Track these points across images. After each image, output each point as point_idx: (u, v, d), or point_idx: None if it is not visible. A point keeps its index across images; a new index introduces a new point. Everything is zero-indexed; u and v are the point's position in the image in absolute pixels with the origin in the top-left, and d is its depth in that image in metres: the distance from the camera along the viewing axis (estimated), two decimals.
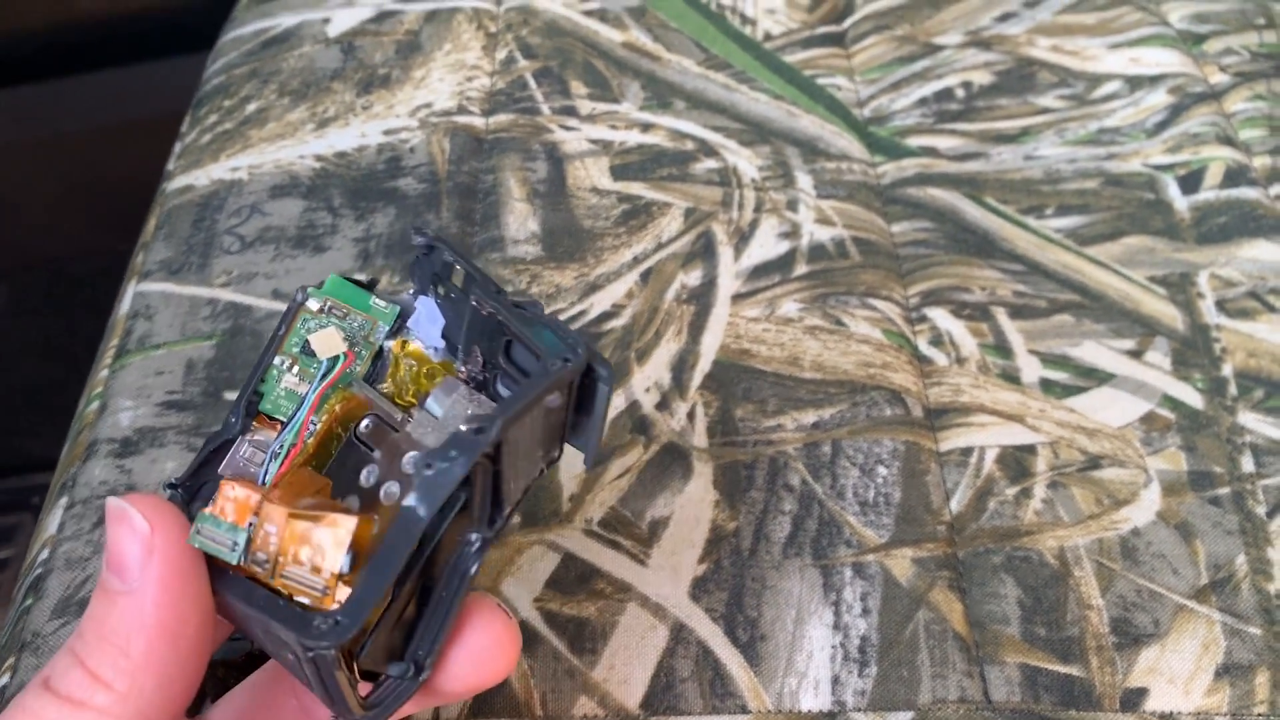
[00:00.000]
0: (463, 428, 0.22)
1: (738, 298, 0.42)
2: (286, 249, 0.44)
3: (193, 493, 0.25)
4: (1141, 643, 0.33)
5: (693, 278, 0.42)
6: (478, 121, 0.48)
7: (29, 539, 0.89)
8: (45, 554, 0.37)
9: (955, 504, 0.36)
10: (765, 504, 0.36)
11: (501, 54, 0.51)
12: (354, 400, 0.26)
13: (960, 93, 0.49)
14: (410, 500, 0.21)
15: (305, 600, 0.22)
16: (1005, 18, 0.53)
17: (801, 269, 0.42)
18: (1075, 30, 0.52)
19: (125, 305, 0.44)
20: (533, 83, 0.50)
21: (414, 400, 0.26)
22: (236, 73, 0.52)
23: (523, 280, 0.42)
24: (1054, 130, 0.48)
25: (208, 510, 0.22)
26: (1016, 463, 0.37)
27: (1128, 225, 0.44)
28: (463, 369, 0.26)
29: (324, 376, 0.26)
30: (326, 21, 0.54)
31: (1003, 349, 0.40)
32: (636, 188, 0.45)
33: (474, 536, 0.24)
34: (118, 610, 0.22)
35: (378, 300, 0.27)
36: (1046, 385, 0.39)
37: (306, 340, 0.26)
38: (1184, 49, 0.51)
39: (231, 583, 0.23)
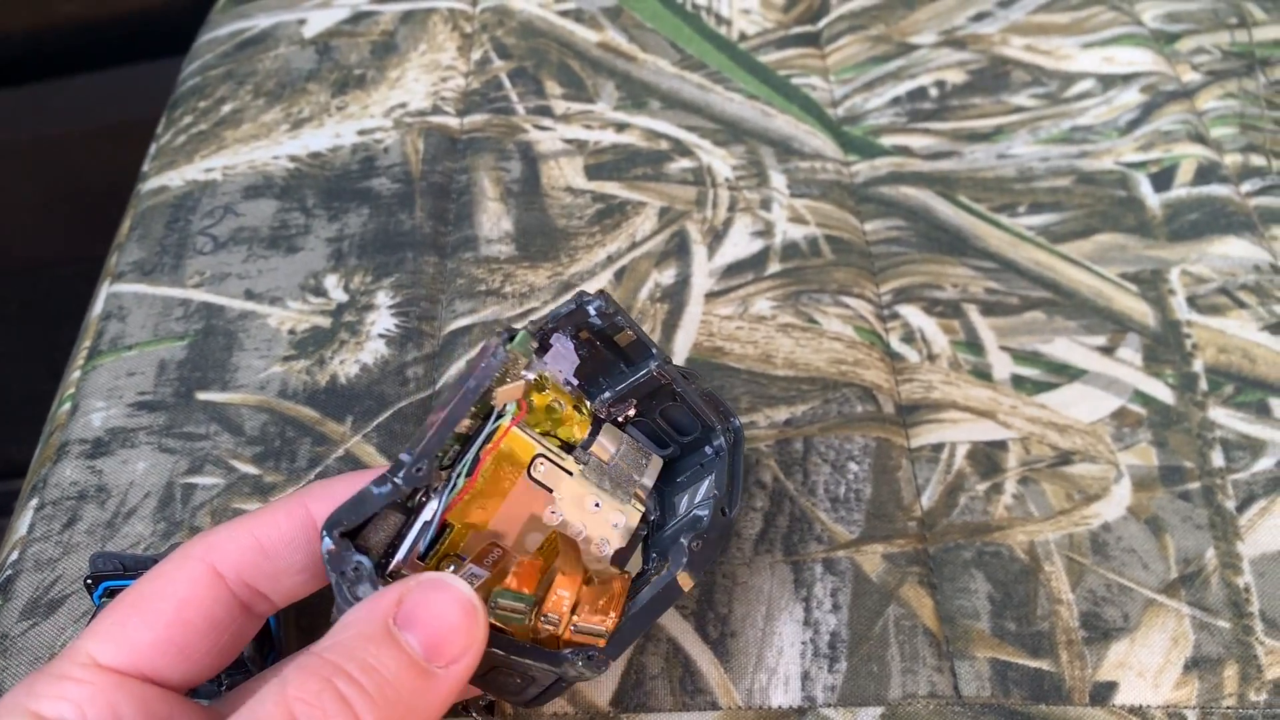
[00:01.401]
0: (702, 513, 0.27)
1: (711, 296, 0.42)
2: (260, 249, 0.44)
3: (354, 530, 0.25)
4: (1111, 637, 0.33)
5: (666, 276, 0.42)
6: (452, 121, 0.48)
7: None
8: (14, 555, 0.37)
9: (926, 500, 0.36)
10: None
11: (477, 54, 0.51)
12: (519, 442, 0.27)
13: (934, 92, 0.50)
14: (680, 572, 0.26)
15: (586, 645, 0.26)
16: (980, 17, 0.53)
17: (775, 267, 0.42)
18: (1049, 29, 0.53)
19: (98, 306, 0.44)
20: (508, 83, 0.50)
21: (553, 432, 0.28)
22: (212, 74, 0.52)
23: (496, 279, 0.42)
24: (1027, 129, 0.48)
25: (507, 584, 0.25)
26: (987, 459, 0.37)
27: (1100, 223, 0.44)
28: (603, 411, 0.29)
29: (495, 422, 0.27)
30: (302, 23, 0.54)
31: (974, 346, 0.40)
32: (611, 187, 0.45)
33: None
34: (421, 689, 0.22)
35: (531, 340, 0.28)
36: (1018, 381, 0.39)
37: (491, 388, 0.27)
38: (1156, 48, 0.51)
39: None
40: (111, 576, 0.31)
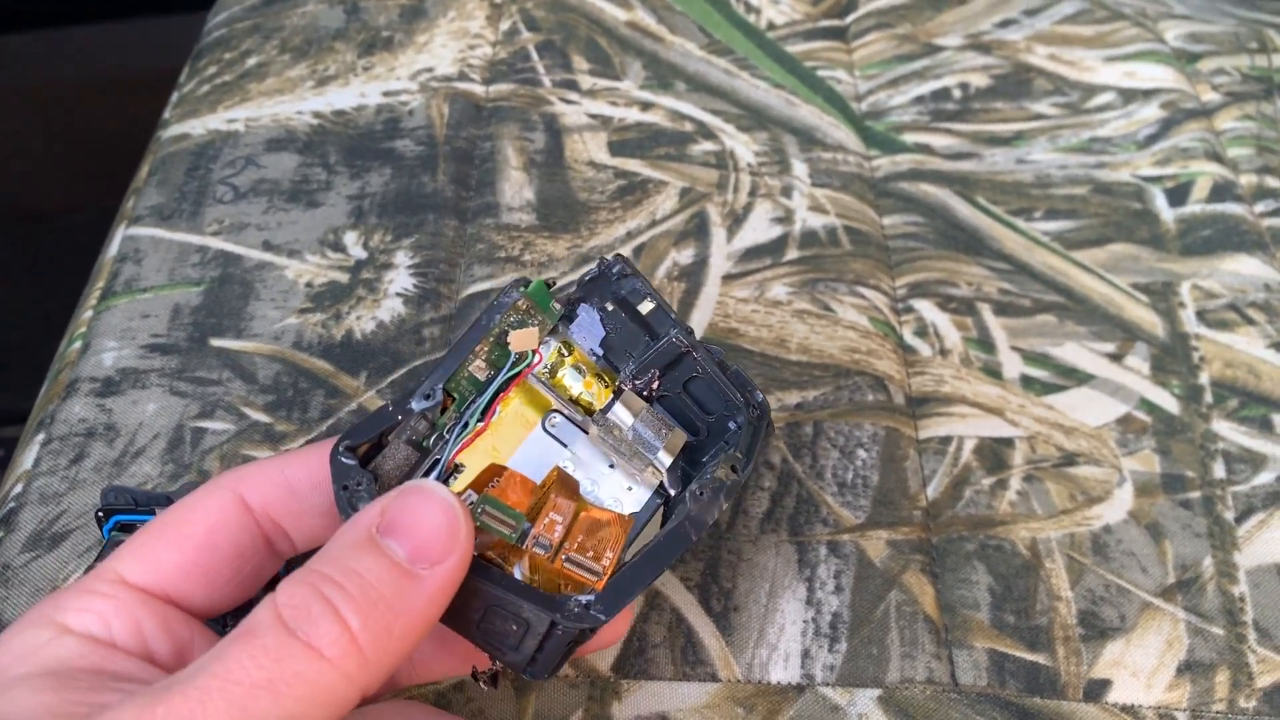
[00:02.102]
0: (719, 474, 0.26)
1: (728, 278, 0.42)
2: (280, 202, 0.44)
3: (368, 456, 0.25)
4: (1107, 636, 0.33)
5: (685, 256, 0.42)
6: (478, 89, 0.48)
7: None
8: (19, 488, 0.37)
9: (931, 490, 0.36)
10: (745, 479, 0.36)
11: (505, 24, 0.51)
12: (536, 395, 0.27)
13: (957, 93, 0.50)
14: (695, 515, 0.25)
15: (580, 582, 0.25)
16: (1005, 24, 0.54)
17: (793, 254, 0.43)
18: (1073, 41, 0.53)
19: (113, 248, 0.44)
20: (535, 55, 0.50)
21: (573, 398, 0.28)
22: (239, 26, 0.52)
23: (516, 247, 0.42)
24: (1047, 136, 0.49)
25: (492, 493, 0.24)
26: (994, 454, 0.37)
27: (1114, 232, 0.45)
28: (626, 383, 0.29)
29: (511, 369, 0.27)
30: None
31: (986, 344, 0.41)
32: (633, 164, 0.45)
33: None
34: (405, 590, 0.22)
35: (555, 303, 0.28)
36: (1027, 381, 0.40)
37: (507, 332, 0.27)
38: (1178, 66, 0.52)
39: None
40: (123, 511, 0.31)
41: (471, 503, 0.25)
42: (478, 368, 0.27)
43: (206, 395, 0.38)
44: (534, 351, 0.27)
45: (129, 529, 0.31)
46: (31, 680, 0.22)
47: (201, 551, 0.25)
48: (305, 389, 0.38)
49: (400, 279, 0.41)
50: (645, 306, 0.28)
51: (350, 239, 0.42)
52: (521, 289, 0.27)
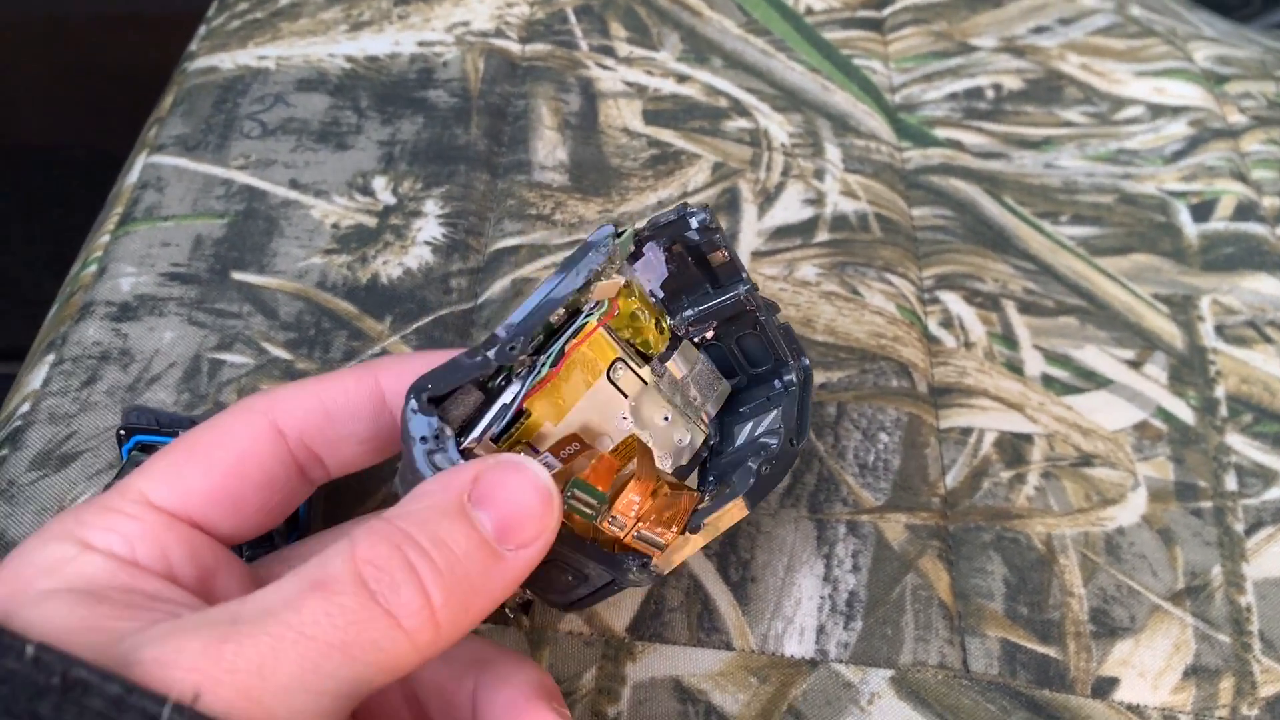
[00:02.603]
0: (771, 441, 0.28)
1: (758, 255, 0.42)
2: (309, 141, 0.43)
3: (440, 400, 0.25)
4: (1117, 635, 0.34)
5: None
6: (514, 47, 0.48)
7: None
8: (26, 407, 0.36)
9: (951, 479, 0.36)
10: None
11: None
12: (601, 342, 0.27)
13: (990, 93, 0.50)
14: (741, 497, 0.27)
15: (641, 552, 0.26)
16: (1040, 30, 0.54)
17: (823, 236, 0.43)
18: (1105, 53, 0.53)
19: (134, 175, 0.43)
20: (573, 18, 0.49)
21: (633, 341, 0.28)
22: None
23: (547, 206, 0.42)
24: (1075, 143, 0.49)
25: (583, 477, 0.25)
26: (1013, 449, 0.37)
27: (1138, 243, 0.45)
28: (683, 329, 0.29)
29: (587, 316, 0.27)
30: None
31: (1009, 340, 0.41)
32: (667, 135, 0.45)
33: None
34: (490, 569, 0.22)
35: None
36: (1047, 380, 0.40)
37: (591, 281, 0.26)
38: (1206, 86, 0.52)
39: None
40: (145, 431, 0.30)
41: (563, 486, 0.25)
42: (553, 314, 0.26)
43: (226, 327, 0.37)
44: (611, 301, 0.27)
45: (149, 450, 0.30)
46: (62, 595, 0.21)
47: (231, 478, 0.24)
48: (328, 329, 0.37)
49: (429, 227, 0.40)
50: (718, 258, 0.28)
51: (379, 184, 0.42)
52: (615, 238, 0.27)
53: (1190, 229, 0.46)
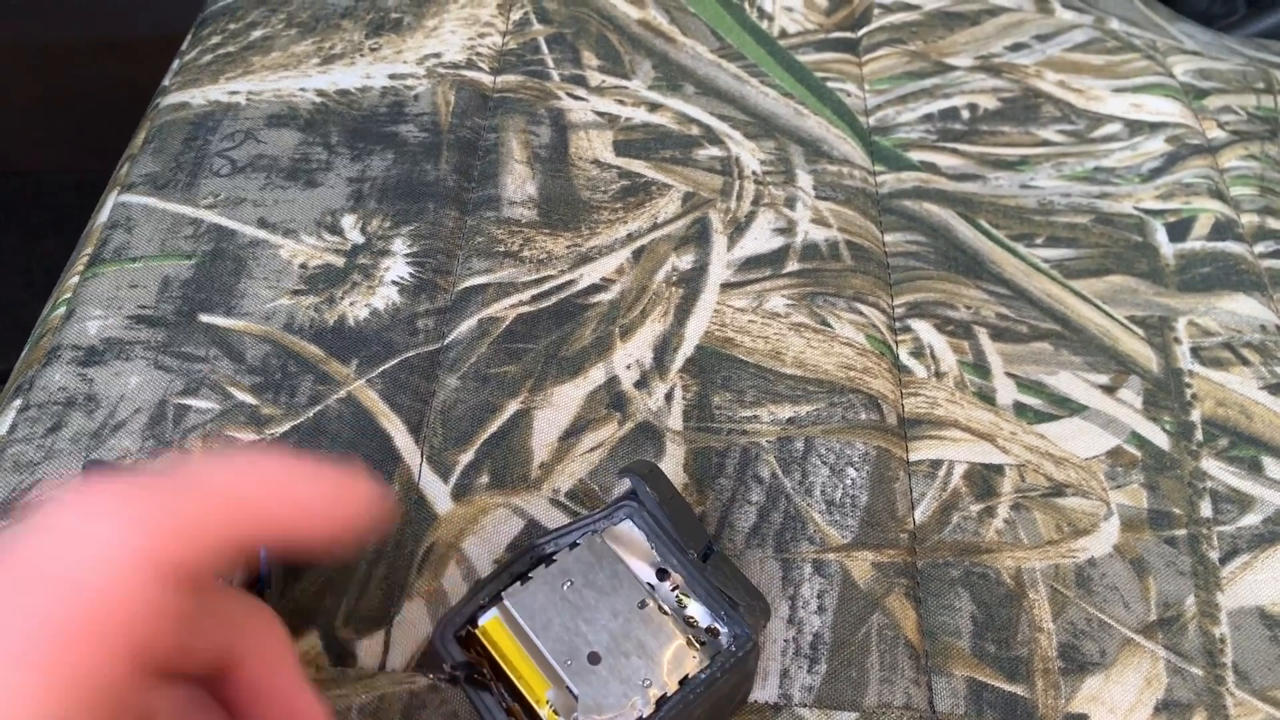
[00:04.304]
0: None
1: (727, 286, 0.41)
2: (278, 179, 0.43)
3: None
4: (1087, 670, 0.33)
5: (684, 261, 0.42)
6: (485, 78, 0.48)
7: None
8: None
9: (919, 514, 0.36)
10: (733, 492, 0.36)
11: (517, 15, 0.51)
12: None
13: (965, 114, 0.50)
14: None
15: None
16: (1017, 47, 0.53)
17: (793, 266, 0.42)
18: (1083, 69, 0.53)
19: (104, 215, 0.43)
20: (545, 47, 0.49)
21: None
22: None
23: (515, 242, 0.42)
24: (1052, 163, 0.49)
25: None
26: (983, 481, 0.37)
27: (1114, 264, 0.45)
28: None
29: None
30: None
31: (981, 368, 0.40)
32: (638, 165, 0.45)
33: None
34: None
35: None
36: (1020, 409, 0.39)
37: None
38: (1185, 101, 0.52)
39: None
40: None
41: None
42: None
43: (192, 372, 0.37)
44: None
45: None
46: None
47: None
48: (294, 373, 0.37)
49: (397, 267, 0.40)
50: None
51: (348, 222, 0.42)
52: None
53: (1167, 248, 0.46)
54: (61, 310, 0.40)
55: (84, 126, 0.88)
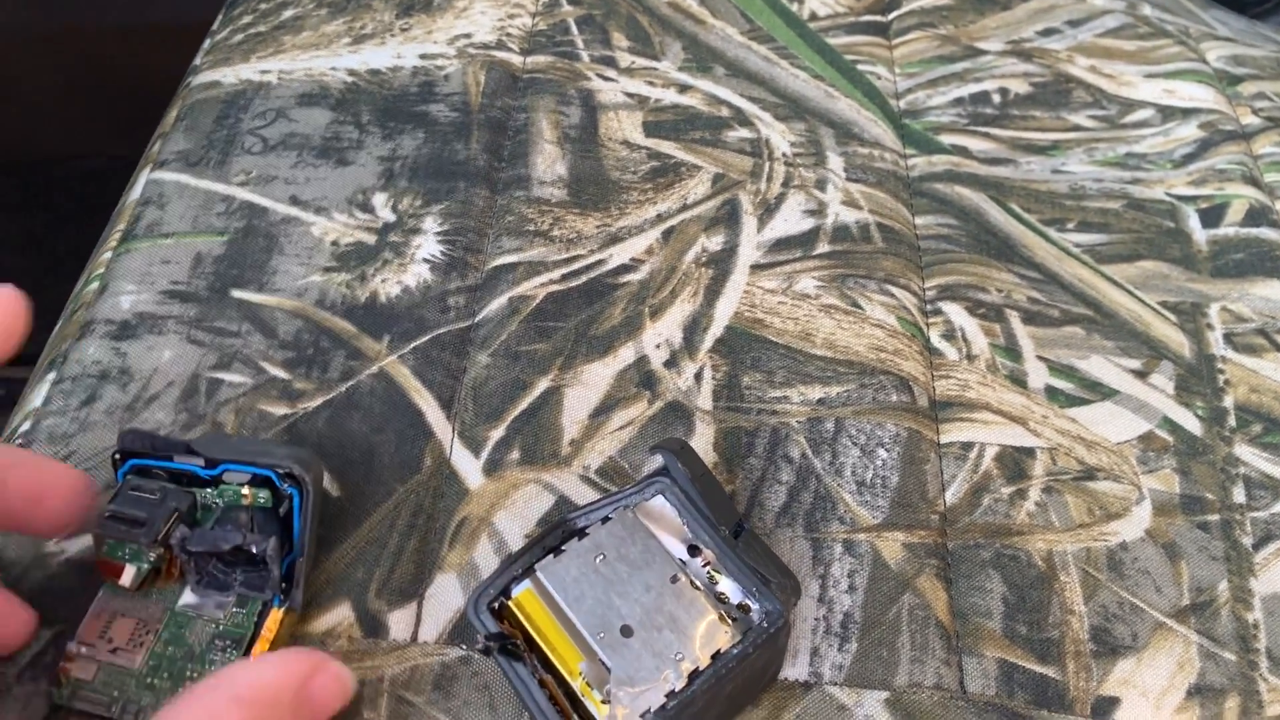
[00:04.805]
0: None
1: (756, 268, 0.41)
2: (309, 157, 0.43)
3: None
4: (1119, 653, 0.33)
5: (714, 242, 0.42)
6: (515, 59, 0.48)
7: None
8: (26, 425, 0.36)
9: (950, 495, 0.36)
10: (763, 472, 0.36)
11: None
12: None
13: (996, 98, 0.50)
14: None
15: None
16: (1048, 32, 0.53)
17: (823, 247, 0.42)
18: (1115, 54, 0.52)
19: (136, 191, 0.43)
20: (575, 28, 0.49)
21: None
22: None
23: (545, 221, 0.42)
24: (1083, 148, 0.48)
25: None
26: (1014, 463, 0.37)
27: (1145, 249, 0.44)
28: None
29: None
30: None
31: (1013, 351, 0.40)
32: (667, 146, 0.45)
33: None
34: None
35: None
36: (1051, 392, 0.39)
37: None
38: (1219, 87, 0.51)
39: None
40: (140, 455, 0.30)
41: None
42: None
43: (224, 346, 0.37)
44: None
45: (144, 473, 0.30)
46: None
47: None
48: (326, 348, 0.37)
49: (428, 245, 0.40)
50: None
51: (379, 200, 0.42)
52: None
53: (1200, 234, 0.45)
54: (95, 285, 0.40)
55: (107, 112, 0.89)
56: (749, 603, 0.30)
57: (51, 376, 0.37)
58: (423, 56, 0.47)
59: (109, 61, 0.86)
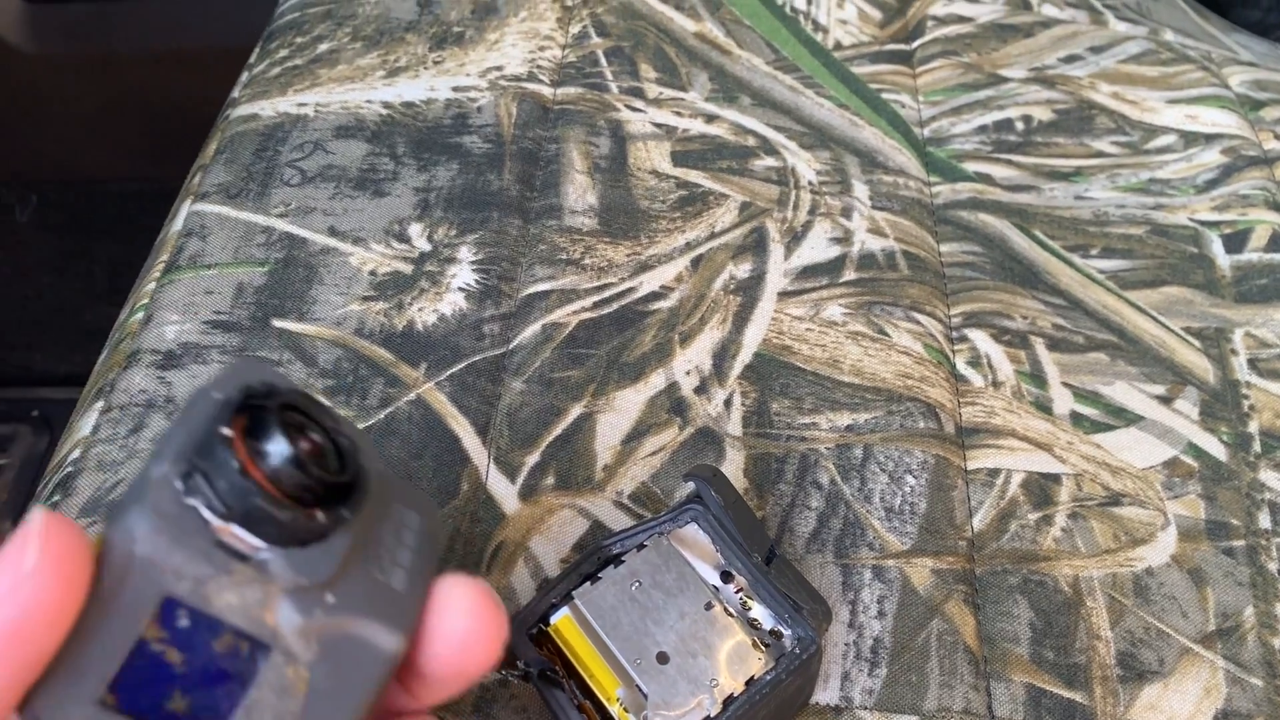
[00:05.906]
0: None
1: (784, 295, 0.42)
2: (347, 189, 0.44)
3: None
4: (1145, 679, 0.34)
5: (742, 270, 0.43)
6: (546, 90, 0.49)
7: (26, 449, 0.88)
8: (76, 454, 0.37)
9: (978, 522, 0.37)
10: (793, 498, 0.37)
11: (575, 28, 0.52)
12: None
13: (1020, 125, 0.50)
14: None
15: None
16: (1070, 59, 0.54)
17: (850, 275, 0.43)
18: (1137, 80, 0.53)
19: (178, 223, 0.44)
20: (604, 60, 0.50)
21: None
22: (311, 11, 0.52)
23: (577, 250, 0.43)
24: (1106, 174, 0.49)
25: None
26: (1041, 490, 0.38)
27: (1169, 275, 0.45)
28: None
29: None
30: None
31: (1038, 378, 0.41)
32: (695, 176, 0.46)
33: None
34: None
35: None
36: (1076, 418, 0.40)
37: None
38: (1241, 112, 0.52)
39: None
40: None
41: None
42: None
43: None
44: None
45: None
46: None
47: None
48: (365, 376, 0.38)
49: (463, 274, 0.41)
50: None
51: (415, 230, 0.43)
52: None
53: (1223, 260, 0.46)
54: (140, 315, 0.41)
55: (146, 136, 0.90)
56: (781, 629, 0.30)
57: (99, 405, 0.38)
58: (455, 89, 0.48)
59: (147, 87, 0.88)
